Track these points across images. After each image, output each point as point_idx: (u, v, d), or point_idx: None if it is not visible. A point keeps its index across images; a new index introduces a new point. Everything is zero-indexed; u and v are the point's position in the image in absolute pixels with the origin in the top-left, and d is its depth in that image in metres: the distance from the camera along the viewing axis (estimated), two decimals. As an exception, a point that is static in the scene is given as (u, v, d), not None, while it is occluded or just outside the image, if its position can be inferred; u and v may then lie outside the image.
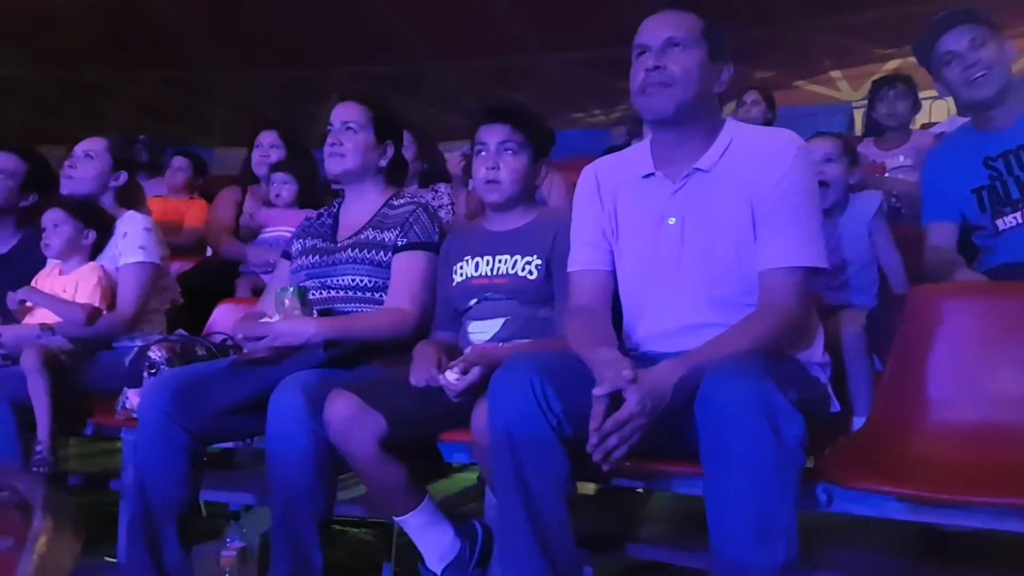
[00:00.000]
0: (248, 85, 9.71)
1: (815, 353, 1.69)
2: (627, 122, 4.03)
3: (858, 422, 1.99)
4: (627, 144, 3.35)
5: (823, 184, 2.27)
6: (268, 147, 3.54)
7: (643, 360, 1.57)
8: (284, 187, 3.27)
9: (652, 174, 1.72)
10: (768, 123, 3.78)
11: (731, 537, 1.34)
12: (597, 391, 1.42)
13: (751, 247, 1.61)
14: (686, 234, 1.66)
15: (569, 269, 1.81)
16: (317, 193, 3.31)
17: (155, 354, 2.15)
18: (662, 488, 1.74)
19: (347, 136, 2.19)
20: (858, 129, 7.60)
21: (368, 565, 2.33)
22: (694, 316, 1.63)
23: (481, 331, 1.97)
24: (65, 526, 0.47)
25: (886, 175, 3.38)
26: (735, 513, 1.33)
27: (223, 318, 2.71)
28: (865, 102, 3.75)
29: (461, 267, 2.03)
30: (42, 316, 2.42)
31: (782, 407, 1.33)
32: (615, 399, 1.42)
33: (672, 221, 1.68)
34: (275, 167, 3.36)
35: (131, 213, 2.61)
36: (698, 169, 1.67)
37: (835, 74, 8.83)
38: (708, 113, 1.69)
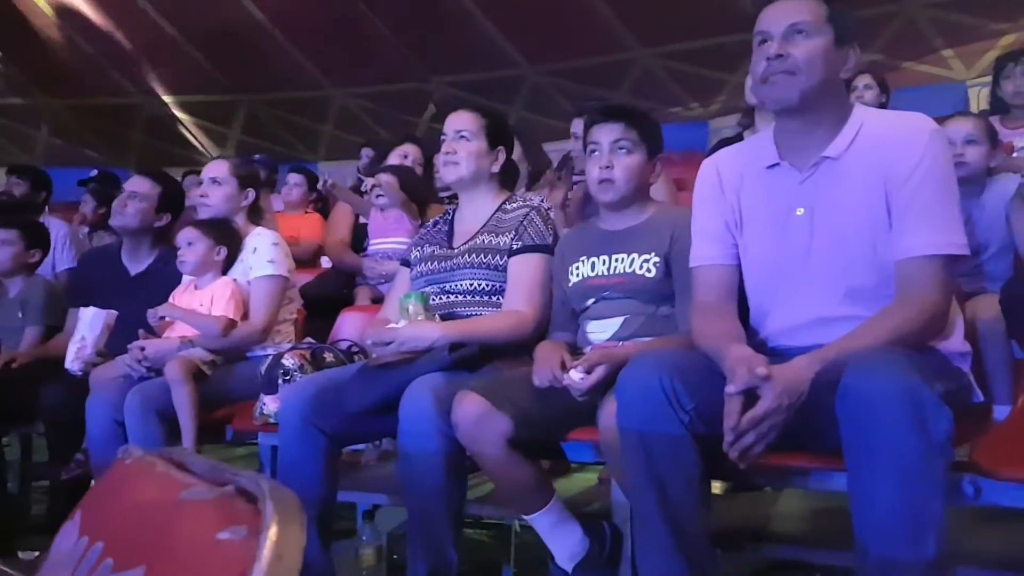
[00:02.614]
0: (352, 101, 10.00)
1: (955, 343, 1.63)
2: (739, 112, 3.94)
3: (1000, 412, 1.91)
4: (739, 136, 3.30)
5: (960, 165, 2.19)
6: (413, 163, 3.59)
7: (773, 355, 1.53)
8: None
9: (777, 164, 1.68)
10: (882, 107, 3.64)
11: (879, 533, 1.31)
12: (731, 388, 1.41)
13: (886, 236, 1.56)
14: (816, 224, 1.61)
15: (692, 264, 1.79)
16: (421, 195, 3.37)
17: (288, 362, 2.24)
18: (798, 486, 1.71)
19: (460, 144, 2.24)
20: (973, 110, 7.22)
21: (487, 566, 2.35)
22: (827, 309, 1.59)
23: (600, 331, 1.97)
24: (291, 516, 0.51)
25: (1014, 155, 3.21)
26: (883, 509, 1.29)
27: (347, 326, 2.80)
28: (979, 81, 3.59)
29: (577, 267, 2.03)
30: (181, 330, 2.55)
31: (929, 400, 1.28)
32: (749, 396, 1.40)
33: (800, 211, 1.63)
34: (380, 169, 3.42)
35: (260, 229, 2.72)
36: (827, 157, 1.62)
37: (946, 53, 8.40)
38: (835, 99, 1.64)
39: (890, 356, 1.35)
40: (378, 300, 3.24)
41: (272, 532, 0.50)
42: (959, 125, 2.34)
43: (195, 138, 10.64)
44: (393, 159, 3.63)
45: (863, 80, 3.77)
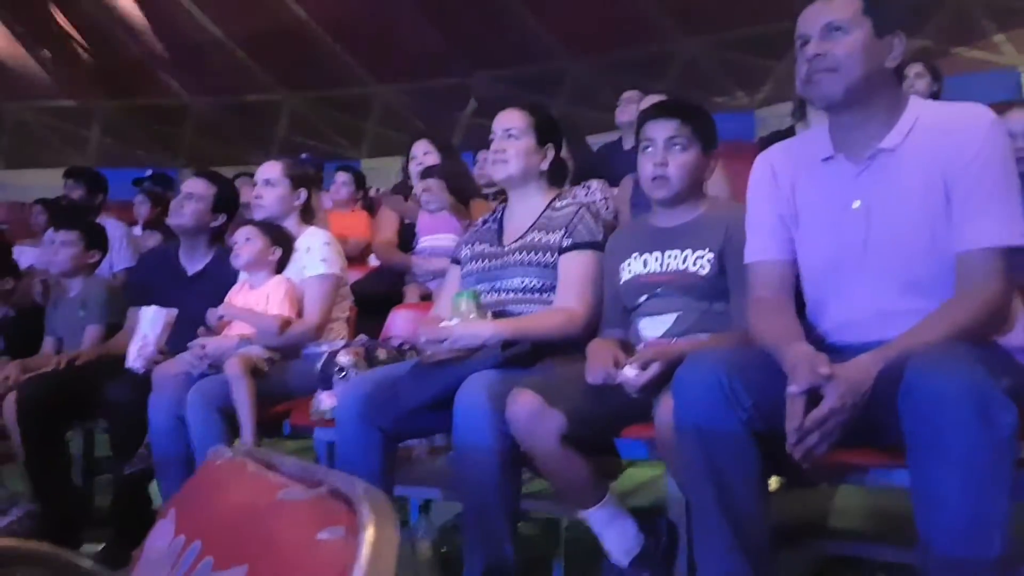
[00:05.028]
0: (394, 98, 10.09)
1: (1018, 337, 1.59)
2: (785, 101, 3.92)
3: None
4: (791, 129, 3.27)
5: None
6: (422, 155, 3.68)
7: (832, 351, 1.52)
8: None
9: (832, 157, 1.67)
10: (935, 95, 3.57)
11: (943, 530, 1.29)
12: (793, 388, 1.40)
13: (945, 228, 1.54)
14: (873, 217, 1.60)
15: (747, 260, 1.78)
16: (467, 191, 3.40)
17: (343, 359, 2.28)
18: (859, 482, 1.69)
19: (509, 142, 2.25)
20: (1027, 95, 7.02)
21: (537, 562, 2.36)
22: (885, 303, 1.58)
23: (653, 327, 1.96)
24: (386, 517, 0.53)
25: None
26: (947, 506, 1.28)
27: (398, 323, 2.84)
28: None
29: (629, 264, 2.03)
30: (239, 328, 2.60)
31: (994, 395, 1.27)
32: (811, 395, 1.40)
33: (857, 204, 1.62)
34: (423, 173, 3.46)
35: (312, 228, 2.78)
36: (883, 149, 1.61)
37: (998, 38, 8.21)
38: (886, 90, 1.62)
39: (953, 351, 1.33)
40: (427, 297, 3.28)
41: (369, 532, 0.52)
42: (1021, 116, 2.28)
43: (243, 137, 10.82)
44: (412, 164, 3.68)
45: (915, 69, 3.70)
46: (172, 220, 2.97)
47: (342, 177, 4.53)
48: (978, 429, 1.26)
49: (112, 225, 4.23)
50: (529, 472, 2.19)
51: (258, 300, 2.62)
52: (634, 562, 1.86)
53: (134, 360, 2.65)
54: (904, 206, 1.58)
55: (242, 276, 2.76)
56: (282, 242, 2.69)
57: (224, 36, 9.82)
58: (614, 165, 3.81)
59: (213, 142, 10.76)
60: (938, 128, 1.58)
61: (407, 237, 3.62)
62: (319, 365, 2.34)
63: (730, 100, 8.87)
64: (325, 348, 2.52)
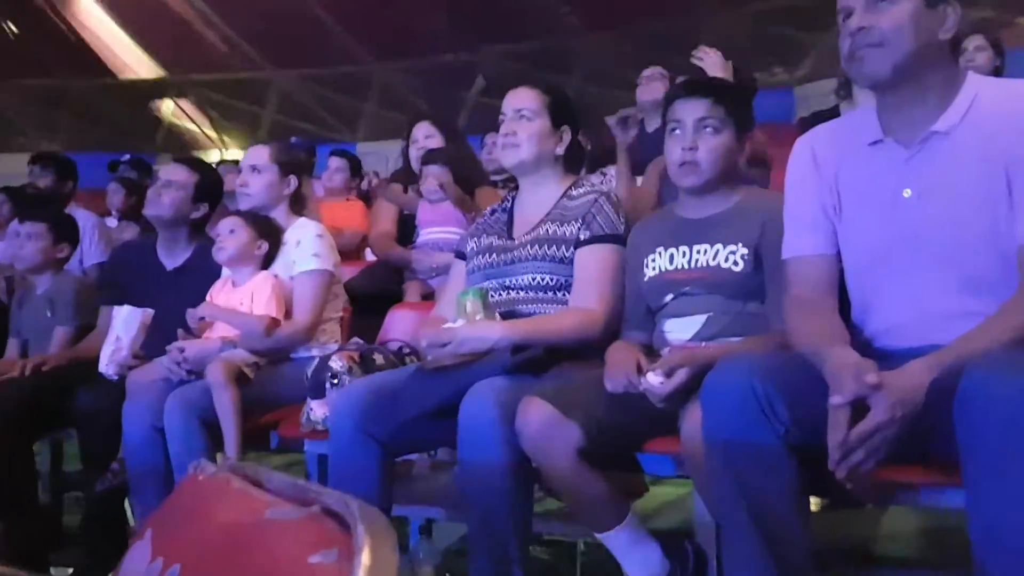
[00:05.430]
0: (394, 76, 10.11)
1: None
2: (828, 78, 3.92)
3: None
4: (835, 109, 3.27)
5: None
6: (424, 139, 3.67)
7: (879, 357, 1.51)
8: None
9: (880, 140, 1.67)
10: (997, 71, 3.56)
11: (1001, 555, 1.29)
12: (836, 399, 1.39)
13: (1006, 219, 1.53)
14: (925, 207, 1.60)
15: (785, 255, 1.78)
16: (474, 178, 3.39)
17: (336, 364, 2.28)
18: (908, 503, 1.69)
19: (521, 125, 2.25)
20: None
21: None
22: (939, 303, 1.57)
23: (680, 330, 1.97)
24: (383, 539, 0.54)
25: None
26: (1006, 528, 1.28)
27: (397, 324, 2.84)
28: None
29: (653, 260, 2.03)
30: (221, 330, 2.60)
31: None
32: (856, 406, 1.39)
33: (907, 193, 1.62)
34: (425, 158, 3.43)
35: (303, 220, 2.78)
36: (936, 132, 1.60)
37: (1067, 5, 8.16)
38: (940, 66, 1.62)
39: (1015, 357, 1.33)
40: (429, 296, 3.28)
41: (365, 556, 0.52)
42: None
43: (226, 121, 10.88)
44: (413, 148, 3.67)
45: (974, 42, 3.68)
46: (149, 210, 2.98)
47: (336, 163, 4.54)
48: (1041, 443, 1.25)
49: (83, 216, 4.25)
50: (542, 490, 2.20)
51: (242, 299, 2.62)
52: (658, 590, 1.86)
53: (106, 365, 2.66)
54: (960, 195, 1.57)
55: (225, 272, 2.76)
56: (269, 235, 2.70)
57: (208, 8, 9.87)
58: (635, 150, 3.80)
59: (194, 124, 10.83)
60: (999, 108, 1.58)
61: (407, 229, 3.61)
62: (310, 371, 2.35)
63: (767, 77, 8.85)
64: (316, 352, 2.53)
